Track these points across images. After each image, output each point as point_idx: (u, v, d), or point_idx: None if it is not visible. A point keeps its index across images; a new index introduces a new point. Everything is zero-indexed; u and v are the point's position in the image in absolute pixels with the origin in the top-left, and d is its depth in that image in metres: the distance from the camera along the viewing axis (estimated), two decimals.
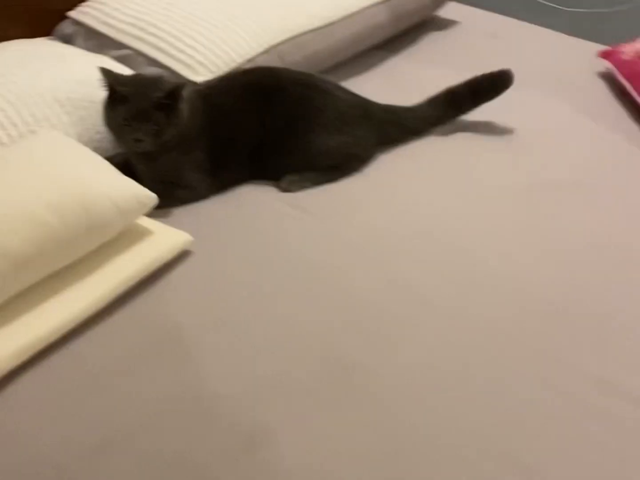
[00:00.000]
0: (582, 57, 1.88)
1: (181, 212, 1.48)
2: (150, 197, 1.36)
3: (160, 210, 1.42)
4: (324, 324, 1.23)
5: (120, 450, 1.04)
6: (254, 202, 1.52)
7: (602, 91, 1.77)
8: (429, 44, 2.01)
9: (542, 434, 1.04)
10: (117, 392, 1.13)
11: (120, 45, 1.75)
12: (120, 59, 1.71)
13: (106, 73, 1.45)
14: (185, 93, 1.48)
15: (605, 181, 1.51)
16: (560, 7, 2.67)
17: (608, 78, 1.80)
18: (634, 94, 1.67)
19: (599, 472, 1.00)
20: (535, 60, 1.92)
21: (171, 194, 1.49)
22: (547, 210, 1.44)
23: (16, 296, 1.23)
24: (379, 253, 1.36)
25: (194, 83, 1.61)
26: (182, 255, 1.36)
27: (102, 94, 1.48)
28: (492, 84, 1.65)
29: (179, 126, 1.46)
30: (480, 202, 1.48)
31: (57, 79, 1.55)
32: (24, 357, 1.17)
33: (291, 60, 1.74)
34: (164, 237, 1.37)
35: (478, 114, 1.68)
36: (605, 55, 1.81)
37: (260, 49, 1.71)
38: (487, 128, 1.68)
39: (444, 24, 2.09)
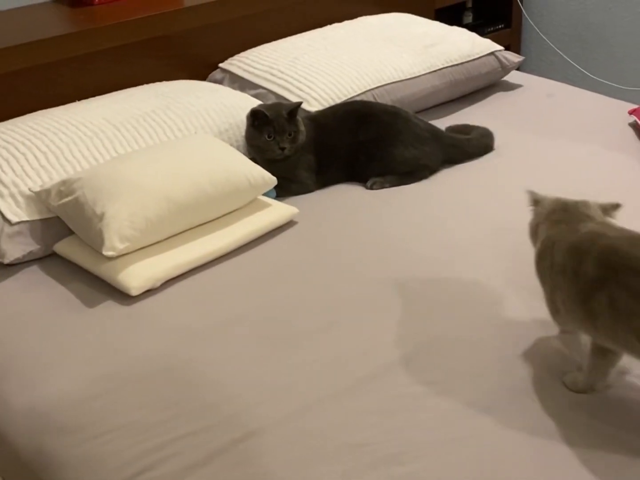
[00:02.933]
0: (617, 113, 2.35)
1: (293, 199, 2.01)
2: (272, 178, 1.90)
3: (277, 198, 1.98)
4: (380, 264, 1.73)
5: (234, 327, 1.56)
6: (346, 194, 2.04)
7: (631, 136, 2.24)
8: (496, 100, 2.52)
9: None
10: (239, 296, 1.66)
11: (256, 86, 2.33)
12: (255, 96, 2.30)
13: (254, 109, 2.02)
14: (300, 116, 2.05)
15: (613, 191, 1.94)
16: (611, 84, 3.15)
17: (635, 127, 2.26)
18: None
19: None
20: (582, 113, 2.39)
21: (287, 187, 2.02)
22: None
23: (177, 234, 1.78)
24: (433, 227, 1.86)
25: (308, 112, 2.17)
26: (290, 223, 1.89)
27: (239, 115, 2.09)
28: None
29: (303, 134, 2.02)
30: (514, 204, 1.94)
31: (210, 102, 2.14)
32: (179, 272, 1.71)
33: (382, 102, 2.27)
34: (278, 209, 1.91)
35: (531, 145, 2.17)
36: (632, 111, 2.28)
37: (359, 91, 2.26)
38: (535, 154, 2.16)
39: (510, 87, 2.60)
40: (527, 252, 1.70)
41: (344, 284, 1.68)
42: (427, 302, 1.61)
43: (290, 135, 2.01)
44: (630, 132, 2.25)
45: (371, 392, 1.38)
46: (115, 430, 1.32)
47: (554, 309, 1.37)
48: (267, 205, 1.91)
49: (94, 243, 1.70)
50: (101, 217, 1.68)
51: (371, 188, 2.05)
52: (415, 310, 1.59)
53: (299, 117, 2.04)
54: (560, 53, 3.35)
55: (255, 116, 2.02)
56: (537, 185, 2.00)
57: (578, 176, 2.03)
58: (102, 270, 1.70)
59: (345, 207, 1.99)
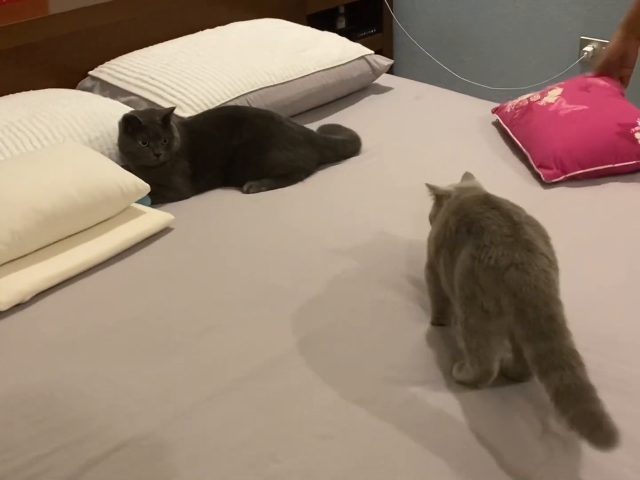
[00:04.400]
0: (482, 112, 2.46)
1: (168, 206, 2.00)
2: (145, 186, 1.88)
3: (153, 206, 1.96)
4: (257, 266, 1.75)
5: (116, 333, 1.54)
6: (223, 199, 2.04)
7: (494, 133, 2.34)
8: (368, 103, 2.58)
9: None
10: (112, 307, 1.64)
11: (128, 93, 2.31)
12: (127, 103, 2.27)
13: (127, 115, 2.00)
14: (173, 122, 2.04)
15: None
16: (478, 84, 3.29)
17: (498, 125, 2.37)
18: (510, 133, 2.24)
19: None
20: (449, 114, 2.48)
21: (162, 194, 2.01)
22: None
23: (47, 245, 1.74)
24: (309, 229, 1.89)
25: (181, 118, 2.17)
26: (165, 230, 1.88)
27: (109, 123, 2.06)
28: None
29: (177, 140, 2.01)
30: (385, 204, 2.00)
31: (79, 110, 2.09)
32: (49, 284, 1.67)
33: (256, 106, 2.29)
34: (153, 216, 1.89)
35: (401, 146, 2.24)
36: (495, 110, 2.39)
37: (232, 96, 2.27)
38: (405, 154, 2.23)
39: (381, 89, 2.67)
40: (398, 251, 1.77)
41: (222, 288, 1.69)
42: (304, 301, 1.62)
43: (164, 141, 1.99)
44: (494, 130, 2.36)
45: (248, 393, 1.38)
46: None
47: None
48: (141, 212, 1.88)
49: None
50: None
51: (247, 192, 2.06)
52: (292, 309, 1.60)
53: (173, 123, 2.03)
54: (430, 56, 3.46)
55: (128, 122, 2.00)
56: (407, 183, 2.08)
57: (445, 173, 2.07)
58: None
59: (222, 212, 1.99)
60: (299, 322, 1.56)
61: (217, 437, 1.30)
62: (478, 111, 2.48)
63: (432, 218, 1.54)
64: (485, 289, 1.28)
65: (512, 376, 1.39)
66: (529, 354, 1.22)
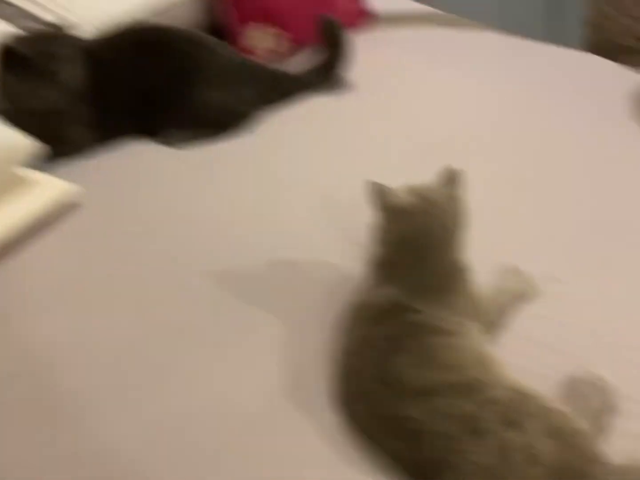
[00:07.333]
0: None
1: (69, 171, 1.48)
2: (32, 142, 1.37)
3: (45, 166, 1.47)
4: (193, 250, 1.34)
5: None
6: (137, 155, 1.57)
7: None
8: None
9: None
10: None
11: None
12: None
13: (7, 46, 1.50)
14: (69, 49, 1.53)
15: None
16: None
17: None
18: None
19: None
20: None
21: (55, 149, 1.51)
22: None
23: None
24: (253, 193, 1.48)
25: (78, 40, 1.62)
26: (69, 206, 1.39)
27: None
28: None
29: (73, 76, 1.53)
30: (341, 152, 1.59)
31: None
32: None
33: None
34: (49, 188, 1.40)
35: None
36: None
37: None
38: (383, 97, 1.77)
39: None
40: None
41: (155, 281, 1.28)
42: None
43: (56, 76, 1.51)
44: None
45: None
46: None
47: None
48: (31, 183, 1.39)
49: None
50: None
51: (169, 145, 1.59)
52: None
53: (67, 51, 1.53)
54: None
55: (8, 55, 1.50)
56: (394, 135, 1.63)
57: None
58: None
59: (138, 174, 1.53)
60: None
61: None
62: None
63: None
64: None
65: None
66: None
